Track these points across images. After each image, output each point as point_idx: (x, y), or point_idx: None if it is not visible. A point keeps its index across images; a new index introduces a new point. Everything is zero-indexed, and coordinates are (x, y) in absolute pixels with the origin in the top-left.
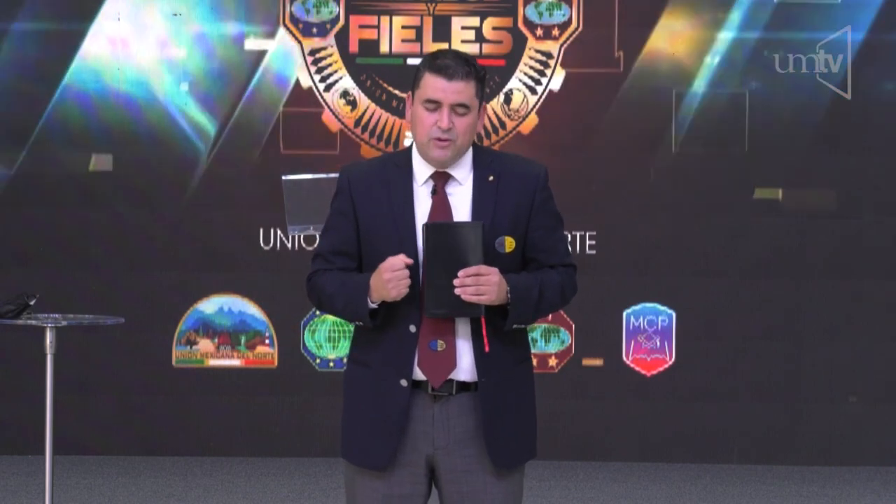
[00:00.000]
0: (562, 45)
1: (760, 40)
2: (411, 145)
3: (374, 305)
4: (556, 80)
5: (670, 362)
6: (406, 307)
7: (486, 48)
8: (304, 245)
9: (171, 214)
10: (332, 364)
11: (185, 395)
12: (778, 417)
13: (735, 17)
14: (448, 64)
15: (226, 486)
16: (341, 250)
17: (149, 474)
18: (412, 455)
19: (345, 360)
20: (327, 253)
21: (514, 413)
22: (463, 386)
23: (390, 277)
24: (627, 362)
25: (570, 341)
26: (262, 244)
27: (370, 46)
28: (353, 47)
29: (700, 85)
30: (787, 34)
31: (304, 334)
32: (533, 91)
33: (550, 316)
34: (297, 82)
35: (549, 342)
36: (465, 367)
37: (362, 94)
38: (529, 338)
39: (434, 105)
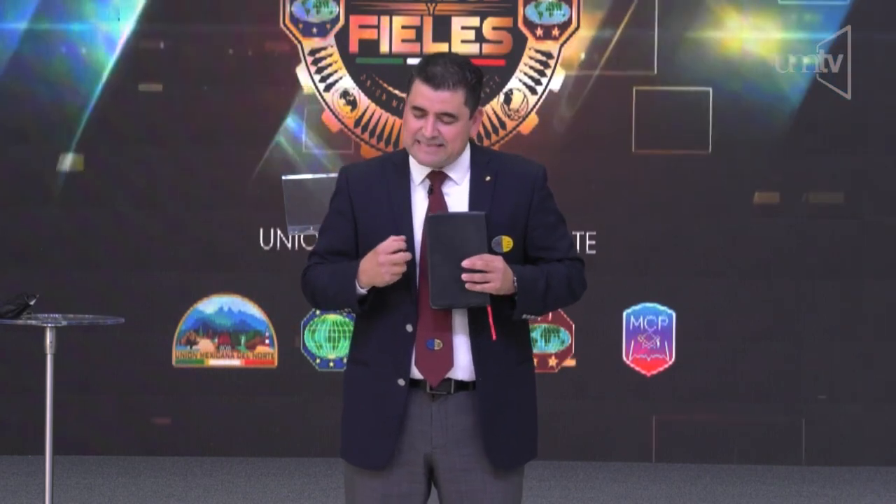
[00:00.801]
0: (562, 45)
1: (760, 40)
2: None
3: (363, 291)
4: (556, 80)
5: (670, 362)
6: (403, 306)
7: (486, 48)
8: (304, 245)
9: (171, 214)
10: (332, 364)
11: (185, 395)
12: (778, 417)
13: (735, 16)
14: (437, 73)
15: (226, 486)
16: (338, 249)
17: (149, 474)
18: (410, 454)
19: (345, 360)
20: (323, 252)
21: (513, 413)
22: (461, 385)
23: (384, 261)
24: (627, 362)
25: (570, 341)
26: (262, 244)
27: (370, 46)
28: (353, 47)
29: (700, 85)
30: (787, 34)
31: (304, 334)
32: (533, 91)
33: (550, 316)
34: (297, 82)
35: (549, 342)
36: (462, 366)
37: (362, 94)
38: (530, 338)
39: (420, 112)
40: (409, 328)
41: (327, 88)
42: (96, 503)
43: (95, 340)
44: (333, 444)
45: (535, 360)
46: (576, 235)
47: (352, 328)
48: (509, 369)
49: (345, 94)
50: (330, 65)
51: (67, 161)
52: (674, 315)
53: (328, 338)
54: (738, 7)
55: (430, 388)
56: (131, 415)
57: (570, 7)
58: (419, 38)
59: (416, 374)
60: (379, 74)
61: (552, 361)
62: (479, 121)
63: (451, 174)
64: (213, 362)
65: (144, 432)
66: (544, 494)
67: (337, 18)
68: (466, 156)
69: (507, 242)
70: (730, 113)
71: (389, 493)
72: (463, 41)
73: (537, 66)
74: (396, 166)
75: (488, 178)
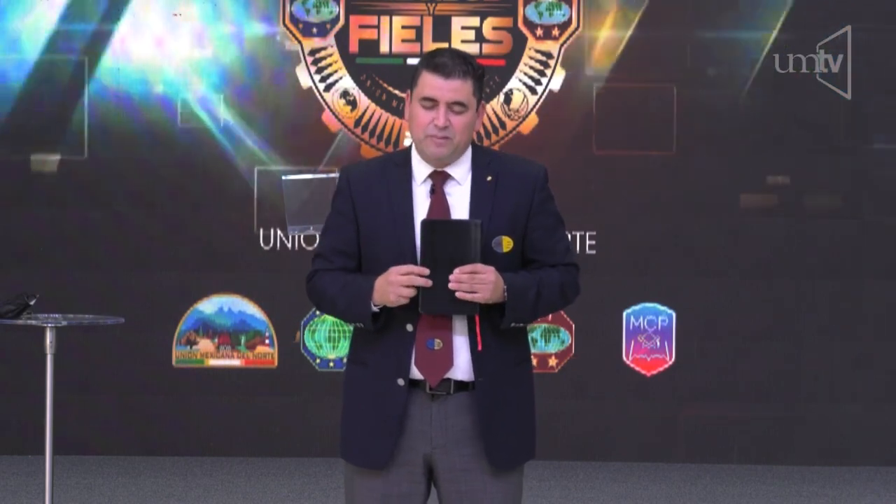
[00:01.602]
0: (562, 45)
1: (760, 40)
2: (411, 145)
3: (376, 309)
4: (556, 80)
5: (670, 362)
6: (404, 306)
7: (486, 48)
8: (304, 245)
9: (171, 214)
10: (332, 364)
11: (185, 395)
12: (778, 417)
13: (735, 16)
14: (445, 62)
15: (226, 486)
16: (341, 250)
17: (149, 474)
18: (410, 454)
19: (344, 361)
20: (327, 253)
21: (512, 413)
22: (461, 385)
23: (394, 280)
24: (627, 362)
25: (570, 341)
26: (262, 244)
27: (370, 46)
28: (353, 47)
29: (700, 85)
30: (787, 34)
31: (304, 334)
32: (533, 91)
33: (550, 316)
34: (297, 82)
35: (549, 342)
36: (462, 367)
37: (362, 94)
38: (529, 338)
39: (431, 103)
40: (410, 328)
41: (327, 88)
42: (96, 503)
43: (95, 340)
44: (333, 444)
45: (535, 361)
46: (576, 235)
47: (351, 328)
48: (508, 369)
49: (345, 94)
50: (330, 65)
51: (68, 161)
52: (674, 315)
53: (328, 338)
54: (738, 7)
55: (430, 388)
56: (131, 415)
57: (570, 7)
58: (419, 38)
59: (415, 374)
60: (379, 74)
61: (552, 361)
62: (482, 116)
63: (452, 174)
64: (213, 362)
65: (144, 432)
66: (544, 494)
67: (337, 18)
68: (468, 155)
69: (507, 243)
70: (730, 113)
71: (389, 493)
72: (463, 41)
73: (537, 66)
74: (398, 166)
75: (489, 178)
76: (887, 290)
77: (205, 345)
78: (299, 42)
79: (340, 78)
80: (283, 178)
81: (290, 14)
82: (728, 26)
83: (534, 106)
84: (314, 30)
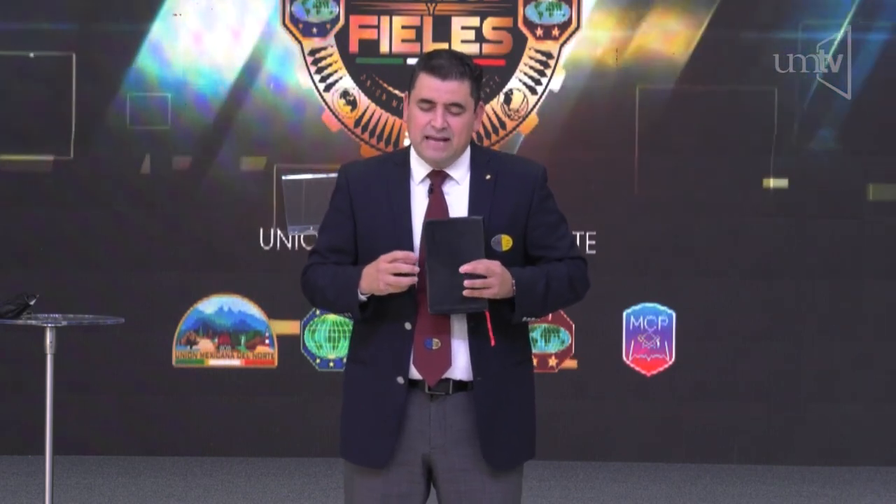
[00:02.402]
0: (562, 45)
1: (760, 40)
2: (410, 145)
3: (363, 298)
4: (556, 80)
5: (670, 362)
6: (402, 304)
7: (486, 48)
8: (304, 245)
9: (171, 214)
10: (332, 364)
11: (185, 395)
12: (778, 417)
13: (735, 16)
14: (442, 64)
15: (226, 486)
16: (338, 248)
17: (149, 474)
18: (409, 454)
19: (344, 360)
20: (324, 250)
21: (512, 413)
22: (460, 385)
23: (384, 268)
24: (627, 362)
25: (570, 341)
26: (262, 244)
27: (370, 46)
28: (353, 47)
29: (700, 85)
30: (788, 34)
31: (304, 334)
32: (533, 91)
33: (551, 316)
34: (297, 82)
35: (549, 342)
36: (460, 366)
37: (362, 94)
38: (530, 338)
39: (428, 105)
40: (408, 326)
41: (327, 88)
42: (96, 503)
43: (95, 340)
44: (333, 444)
45: (535, 361)
46: (576, 235)
47: (351, 328)
48: (508, 369)
49: (345, 94)
50: (330, 65)
51: (68, 161)
52: (674, 315)
53: (328, 338)
54: (739, 7)
55: (429, 388)
56: (131, 415)
57: (570, 7)
58: (419, 38)
59: (414, 373)
60: (379, 74)
61: (552, 361)
62: (480, 116)
63: (451, 173)
64: (213, 362)
65: (144, 432)
66: (544, 494)
67: (337, 18)
68: (467, 155)
69: (506, 241)
70: (730, 113)
71: (389, 493)
72: (463, 41)
73: (537, 66)
74: (397, 165)
75: (488, 178)
76: (887, 290)
77: (205, 345)
78: (299, 42)
79: (340, 78)
80: (283, 178)
81: (290, 14)
82: (728, 26)
83: (534, 106)
84: (314, 30)
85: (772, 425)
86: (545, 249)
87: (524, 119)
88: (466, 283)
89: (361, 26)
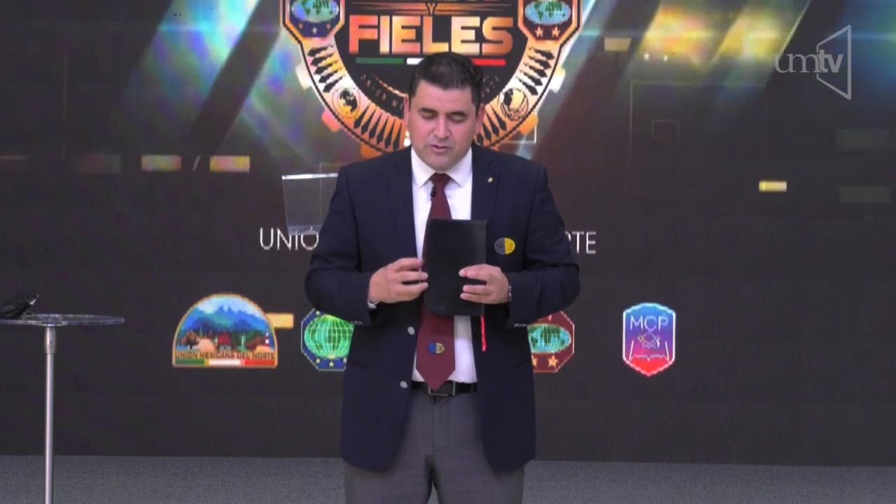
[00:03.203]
0: (562, 45)
1: (760, 40)
2: (410, 146)
3: (372, 305)
4: (556, 80)
5: (670, 362)
6: (405, 308)
7: (486, 48)
8: (304, 245)
9: (171, 214)
10: (332, 364)
11: (185, 395)
12: (778, 417)
13: (735, 16)
14: (443, 72)
15: (226, 486)
16: (340, 251)
17: (149, 474)
18: (411, 456)
19: (345, 361)
20: (326, 254)
21: (514, 415)
22: (462, 387)
23: (393, 277)
24: (627, 362)
25: (570, 341)
26: (262, 244)
27: (370, 46)
28: (353, 47)
29: (700, 85)
30: (787, 34)
31: (304, 334)
32: (533, 91)
33: (550, 316)
34: (297, 82)
35: (549, 342)
36: (464, 369)
37: (362, 94)
38: (529, 338)
39: (430, 113)
40: (411, 331)
41: (327, 88)
42: (96, 503)
43: (95, 340)
44: (333, 444)
45: (535, 360)
46: (576, 235)
47: (351, 328)
48: (510, 371)
49: (345, 94)
50: (330, 65)
51: (68, 161)
52: (674, 315)
53: (328, 338)
54: (739, 7)
55: (431, 390)
56: (131, 415)
57: (570, 7)
58: (419, 38)
59: (417, 376)
60: (379, 74)
61: (552, 361)
62: (481, 118)
63: (453, 176)
64: (213, 362)
65: (144, 432)
66: (544, 494)
67: (337, 18)
68: (468, 157)
69: (509, 244)
70: (730, 113)
71: (390, 494)
72: (463, 41)
73: (537, 66)
74: (398, 167)
75: (490, 180)
76: (887, 290)
77: (205, 345)
78: (299, 42)
79: (340, 78)
80: (283, 178)
81: (290, 14)
82: (728, 26)
83: (534, 106)
84: (314, 30)
85: (772, 425)
86: (542, 253)
87: (524, 119)
88: (467, 287)
89: (361, 26)
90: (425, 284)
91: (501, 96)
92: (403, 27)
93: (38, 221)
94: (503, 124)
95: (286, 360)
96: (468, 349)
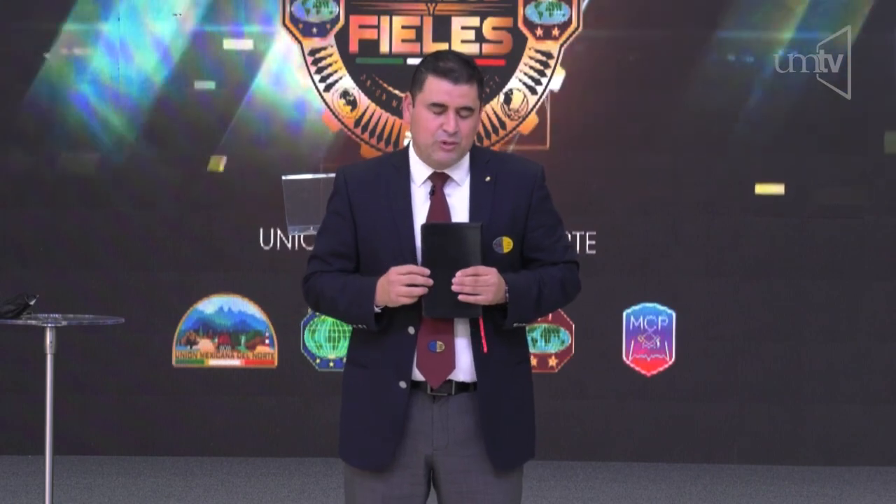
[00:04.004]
0: (562, 45)
1: (760, 40)
2: (408, 146)
3: (378, 310)
4: (556, 80)
5: (670, 362)
6: (405, 308)
7: (486, 48)
8: (304, 245)
9: (171, 214)
10: (332, 364)
11: (185, 395)
12: (778, 417)
13: (735, 16)
14: (453, 67)
15: (226, 486)
16: (339, 252)
17: (149, 474)
18: (411, 455)
19: (344, 361)
20: (324, 255)
21: (513, 414)
22: (462, 386)
23: (395, 279)
24: (627, 362)
25: (570, 341)
26: (262, 244)
27: (370, 46)
28: (353, 47)
29: (700, 85)
30: (787, 34)
31: (304, 334)
32: (533, 91)
33: (550, 316)
34: (297, 82)
35: (549, 342)
36: (463, 368)
37: (362, 94)
38: (529, 338)
39: (440, 108)
40: (411, 331)
41: (327, 88)
42: (96, 503)
43: (95, 340)
44: (333, 444)
45: (535, 361)
46: (576, 235)
47: (350, 330)
48: (509, 370)
49: (345, 94)
50: (330, 65)
51: (68, 161)
52: (674, 315)
53: (328, 338)
54: (739, 7)
55: (431, 389)
56: (131, 415)
57: (570, 7)
58: (419, 38)
59: (416, 375)
60: (379, 74)
61: (552, 361)
62: (480, 117)
63: (452, 175)
64: (213, 362)
65: (144, 432)
66: (544, 494)
67: (337, 18)
68: (467, 156)
69: (507, 243)
70: (730, 113)
71: (390, 494)
72: (463, 41)
73: (537, 66)
74: (396, 167)
75: (488, 179)
76: (887, 291)
77: (205, 345)
78: (299, 42)
79: (340, 78)
80: (283, 178)
81: (290, 14)
82: (728, 26)
83: (534, 106)
84: (314, 30)
85: (772, 425)
86: (541, 252)
87: (524, 119)
88: (457, 289)
89: (361, 26)
90: (426, 289)
91: (501, 96)
92: (403, 27)
93: (38, 221)
94: (503, 124)
95: (286, 360)
96: (468, 348)
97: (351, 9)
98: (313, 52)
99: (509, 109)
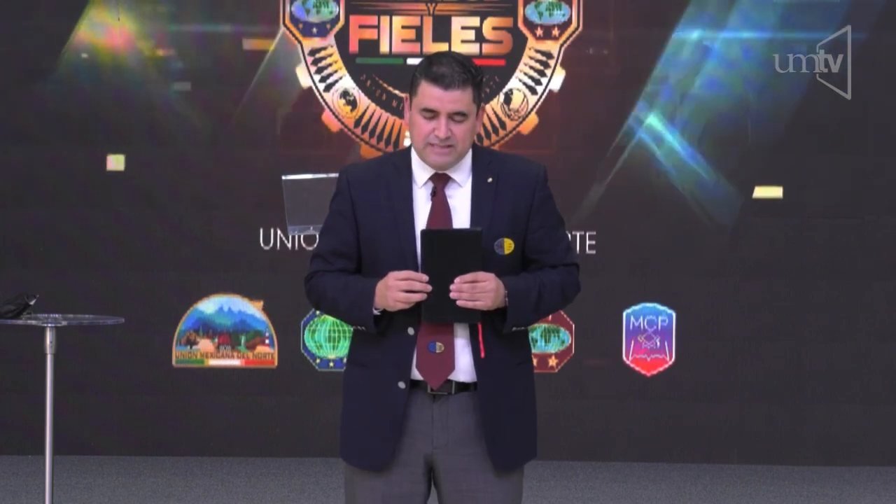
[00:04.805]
0: (562, 45)
1: (760, 40)
2: (410, 146)
3: (377, 313)
4: (556, 80)
5: (670, 362)
6: (405, 310)
7: (486, 48)
8: (304, 245)
9: (171, 214)
10: (332, 364)
11: (185, 395)
12: (778, 417)
13: (735, 16)
14: (444, 73)
15: (226, 486)
16: (340, 252)
17: (149, 474)
18: (411, 454)
19: (344, 361)
20: (326, 254)
21: (514, 414)
22: (462, 386)
23: (393, 285)
24: (627, 362)
25: (570, 341)
26: (262, 244)
27: (370, 46)
28: (353, 47)
29: (700, 85)
30: (787, 34)
31: (304, 334)
32: (533, 91)
33: (550, 316)
34: (297, 82)
35: (549, 342)
36: (463, 368)
37: (362, 94)
38: (529, 338)
39: (431, 114)
40: (411, 331)
41: (327, 88)
42: (96, 503)
43: (95, 340)
44: (333, 444)
45: (535, 361)
46: (576, 235)
47: (351, 329)
48: (510, 370)
49: (345, 94)
50: (330, 65)
51: (68, 161)
52: (674, 315)
53: (328, 338)
54: (738, 7)
55: (431, 389)
56: (131, 415)
57: (570, 7)
58: (419, 38)
59: (416, 375)
60: (379, 74)
61: (552, 361)
62: (481, 118)
63: (453, 176)
64: (213, 362)
65: (144, 432)
66: (544, 494)
67: (337, 18)
68: (468, 157)
69: (508, 245)
70: (730, 113)
71: (390, 493)
72: (463, 41)
73: (537, 66)
74: (398, 168)
75: (490, 180)
76: (887, 290)
77: (205, 345)
78: (299, 42)
79: (340, 78)
80: (283, 178)
81: (290, 14)
82: (728, 26)
83: (534, 106)
84: (314, 30)
85: (772, 425)
86: (542, 254)
87: (524, 119)
88: (455, 294)
89: (361, 26)
90: (424, 295)
91: (501, 96)
92: (403, 27)
93: (38, 221)
94: (503, 124)
95: (286, 360)
96: (467, 349)
97: (351, 9)
98: (313, 52)
99: (509, 109)
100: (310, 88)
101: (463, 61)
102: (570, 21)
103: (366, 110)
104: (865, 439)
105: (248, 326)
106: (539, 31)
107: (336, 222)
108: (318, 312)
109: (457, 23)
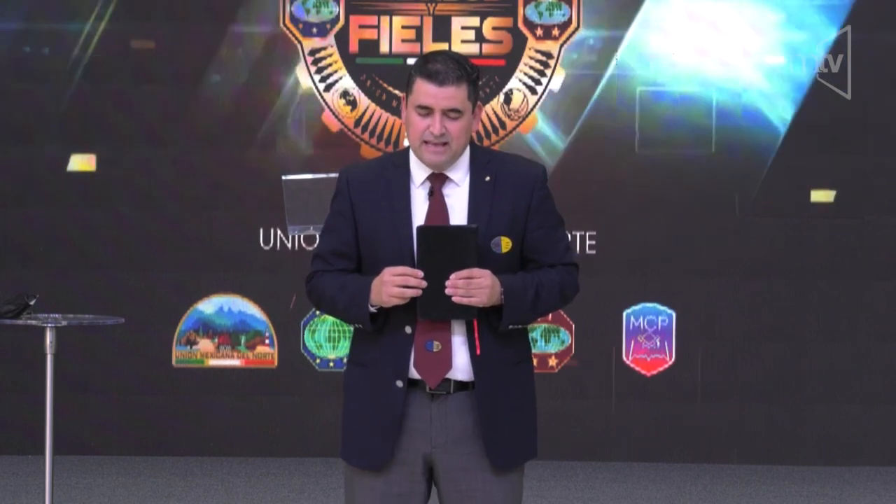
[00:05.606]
0: (562, 45)
1: (758, 40)
2: (409, 146)
3: (373, 310)
4: (556, 80)
5: (670, 362)
6: (403, 308)
7: (486, 48)
8: (304, 245)
9: (171, 214)
10: (332, 364)
11: (185, 395)
12: (778, 417)
13: (734, 16)
14: (438, 69)
15: (226, 486)
16: (340, 252)
17: (149, 474)
18: (410, 453)
19: (345, 361)
20: (327, 254)
21: (513, 413)
22: (460, 384)
23: (388, 280)
24: (627, 362)
25: (570, 341)
26: (262, 244)
27: (370, 46)
28: (353, 47)
29: (700, 85)
30: (788, 34)
31: (304, 334)
32: (533, 91)
33: (550, 316)
34: (297, 82)
35: (549, 342)
36: (461, 367)
37: (362, 94)
38: (529, 337)
39: (425, 111)
40: (408, 330)
41: (327, 88)
42: (96, 503)
43: (95, 340)
44: (333, 444)
45: (535, 361)
46: (576, 235)
47: (351, 329)
48: (508, 369)
49: (345, 94)
50: (330, 65)
51: (67, 161)
52: (674, 315)
53: (328, 338)
54: (739, 7)
55: (429, 388)
56: (131, 415)
57: (570, 7)
58: (419, 38)
59: (414, 374)
60: (379, 74)
61: (552, 361)
62: (479, 116)
63: (451, 175)
64: (213, 362)
65: (144, 432)
66: (544, 494)
67: (337, 18)
68: (466, 156)
69: (505, 243)
70: (730, 113)
71: (389, 492)
72: (463, 41)
73: (537, 66)
74: (397, 167)
75: (488, 179)
76: (887, 291)
77: (205, 345)
78: (299, 42)
79: (340, 78)
80: (283, 178)
81: (290, 14)
82: (729, 26)
83: (534, 106)
84: (314, 30)
85: (772, 425)
86: (540, 253)
87: (524, 119)
88: (450, 291)
89: (361, 26)
90: (419, 291)
91: (501, 96)
92: (403, 27)
93: (38, 221)
94: (503, 124)
95: (286, 360)
96: (465, 348)
97: (351, 9)
98: (313, 52)
99: (509, 109)
100: (310, 88)
101: (458, 59)
102: (570, 21)
103: (366, 110)
104: (865, 439)
105: (248, 326)
106: (539, 31)
107: (336, 222)
108: (318, 312)
109: (457, 23)
